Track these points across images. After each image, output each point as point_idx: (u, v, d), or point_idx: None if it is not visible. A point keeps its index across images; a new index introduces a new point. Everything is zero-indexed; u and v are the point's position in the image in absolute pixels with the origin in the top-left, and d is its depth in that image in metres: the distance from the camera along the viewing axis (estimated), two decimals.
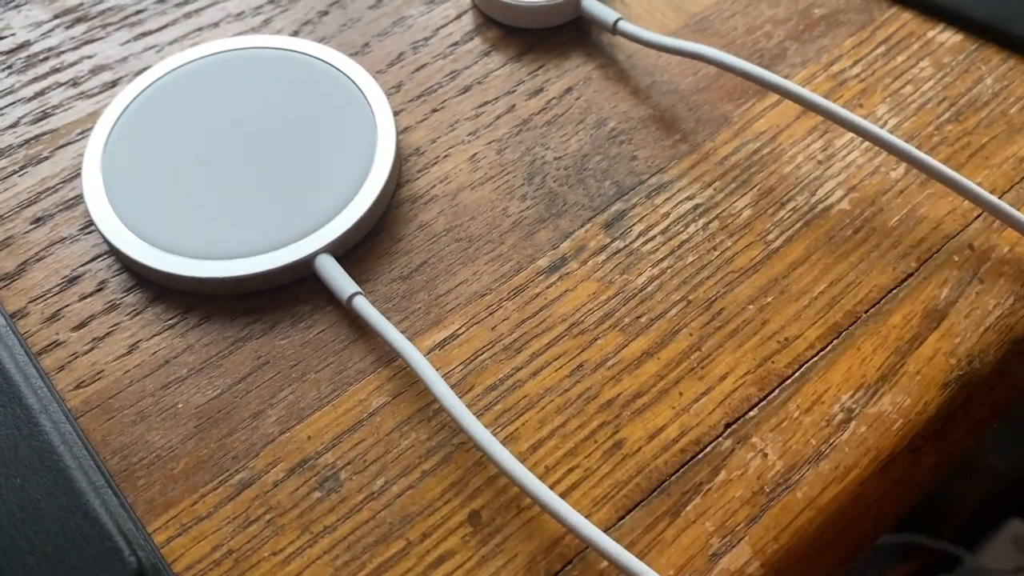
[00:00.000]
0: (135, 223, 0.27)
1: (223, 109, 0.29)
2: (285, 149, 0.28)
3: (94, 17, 0.33)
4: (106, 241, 0.27)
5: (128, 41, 0.32)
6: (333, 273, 0.25)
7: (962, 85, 0.30)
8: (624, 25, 0.30)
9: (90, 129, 0.30)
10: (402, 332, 0.26)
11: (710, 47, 0.28)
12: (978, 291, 0.26)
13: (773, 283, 0.26)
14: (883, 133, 0.26)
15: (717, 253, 0.27)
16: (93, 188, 0.27)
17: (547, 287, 0.27)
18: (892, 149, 0.26)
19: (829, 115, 0.27)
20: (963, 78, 0.31)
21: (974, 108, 0.30)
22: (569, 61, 0.31)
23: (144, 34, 0.32)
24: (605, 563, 0.22)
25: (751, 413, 0.24)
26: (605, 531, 0.23)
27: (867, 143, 0.29)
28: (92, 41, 0.32)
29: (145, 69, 0.31)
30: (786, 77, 0.31)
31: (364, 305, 0.25)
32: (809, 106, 0.27)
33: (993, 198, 0.26)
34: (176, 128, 0.28)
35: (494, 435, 0.24)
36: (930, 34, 0.32)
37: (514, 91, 0.31)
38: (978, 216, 0.28)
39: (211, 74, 0.30)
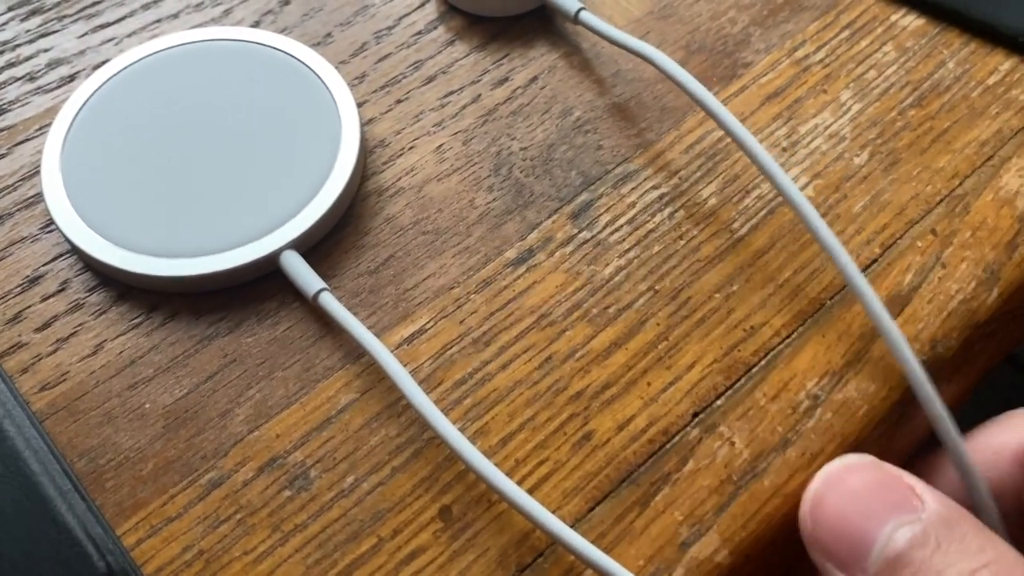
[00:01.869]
0: (97, 221, 0.26)
1: (183, 103, 0.28)
2: (247, 143, 0.27)
3: (49, 9, 0.32)
4: (67, 240, 0.26)
5: (85, 34, 0.32)
6: (299, 269, 0.25)
7: (924, 69, 0.31)
8: (585, 16, 0.30)
9: (48, 125, 0.29)
10: (370, 327, 0.26)
11: (658, 51, 0.28)
12: (940, 276, 0.26)
13: (739, 271, 0.26)
14: (782, 177, 0.26)
15: (683, 242, 0.27)
16: (53, 186, 0.27)
17: (515, 279, 0.27)
18: (778, 187, 0.26)
19: (742, 145, 0.26)
20: (925, 62, 0.31)
21: (936, 92, 0.30)
22: (534, 50, 0.31)
23: (102, 26, 0.32)
24: (571, 557, 0.22)
25: (718, 402, 0.24)
26: (575, 523, 0.23)
27: (830, 129, 0.29)
28: (48, 34, 0.31)
29: (104, 63, 0.30)
30: (749, 64, 0.31)
31: (330, 301, 0.25)
32: (729, 133, 0.27)
33: (852, 267, 0.26)
34: (136, 123, 0.28)
35: (463, 430, 0.24)
36: (893, 18, 0.32)
37: (479, 81, 0.30)
38: (940, 201, 0.28)
39: (171, 67, 0.29)
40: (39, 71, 0.31)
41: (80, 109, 0.28)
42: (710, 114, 0.27)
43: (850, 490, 0.21)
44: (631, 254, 0.27)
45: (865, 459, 0.21)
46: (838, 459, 0.22)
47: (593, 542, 0.22)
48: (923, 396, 0.23)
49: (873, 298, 0.24)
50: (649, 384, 0.25)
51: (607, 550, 0.22)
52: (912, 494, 0.20)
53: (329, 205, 0.26)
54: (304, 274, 0.25)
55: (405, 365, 0.25)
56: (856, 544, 0.20)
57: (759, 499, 0.23)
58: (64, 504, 0.21)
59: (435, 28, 0.32)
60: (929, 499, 0.20)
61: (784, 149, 0.29)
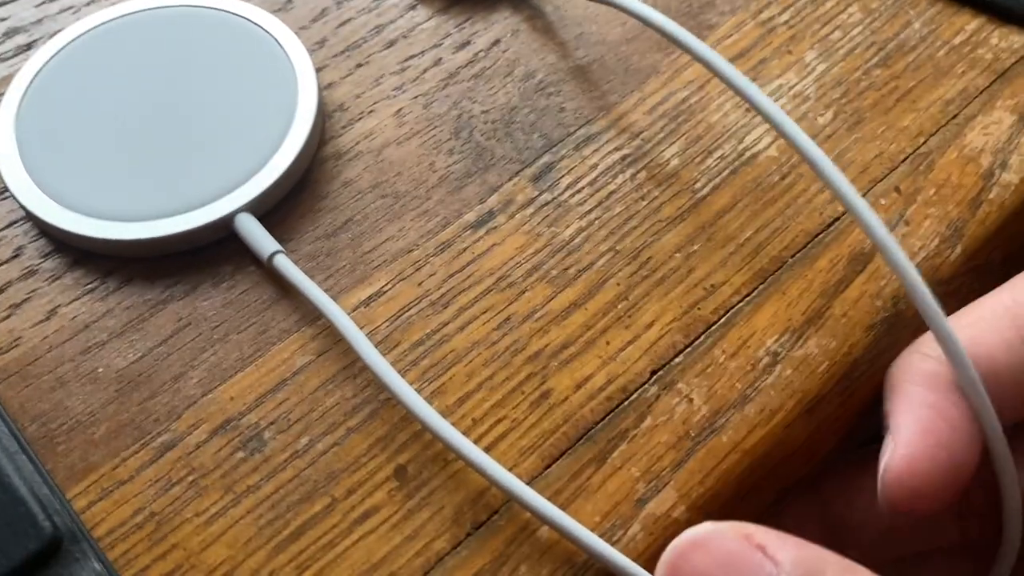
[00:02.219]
0: (51, 187, 0.26)
1: (141, 69, 0.28)
2: (204, 109, 0.27)
3: None
4: (21, 206, 0.26)
5: (43, 3, 0.31)
6: (253, 232, 0.25)
7: (890, 30, 0.30)
8: None
9: (2, 93, 0.29)
10: (327, 290, 0.25)
11: None
12: (904, 233, 0.26)
13: (700, 231, 0.26)
14: (774, 108, 0.25)
15: (645, 203, 0.27)
16: (7, 152, 0.27)
17: (475, 241, 0.26)
18: (776, 125, 0.25)
19: (729, 83, 0.26)
20: (891, 23, 0.30)
21: (902, 52, 0.30)
22: (496, 13, 0.31)
23: None
24: (527, 514, 0.22)
25: (677, 360, 0.24)
26: (531, 481, 0.23)
27: (795, 89, 0.29)
28: (5, 3, 0.31)
29: (60, 31, 0.30)
30: (714, 26, 0.30)
31: (285, 263, 0.24)
32: (715, 72, 0.26)
33: (854, 193, 0.25)
34: (93, 90, 0.28)
35: (420, 391, 0.24)
36: None
37: (441, 44, 0.30)
38: (905, 159, 0.28)
39: (129, 33, 0.29)
40: None
41: (35, 76, 0.28)
42: (692, 54, 0.26)
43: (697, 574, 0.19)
44: (592, 215, 0.27)
45: (709, 531, 0.18)
46: (684, 534, 0.18)
47: (549, 499, 0.22)
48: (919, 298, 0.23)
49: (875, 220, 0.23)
50: (608, 343, 0.24)
51: (563, 507, 0.22)
52: (764, 558, 0.18)
53: (284, 168, 0.26)
54: (259, 237, 0.25)
55: (362, 328, 0.25)
56: None
57: (717, 455, 0.23)
58: (11, 465, 0.21)
59: None
60: (783, 556, 0.18)
61: (747, 110, 0.28)
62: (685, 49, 0.25)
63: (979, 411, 0.21)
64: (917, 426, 0.21)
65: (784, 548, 0.17)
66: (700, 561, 0.17)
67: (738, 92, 0.25)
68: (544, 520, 0.21)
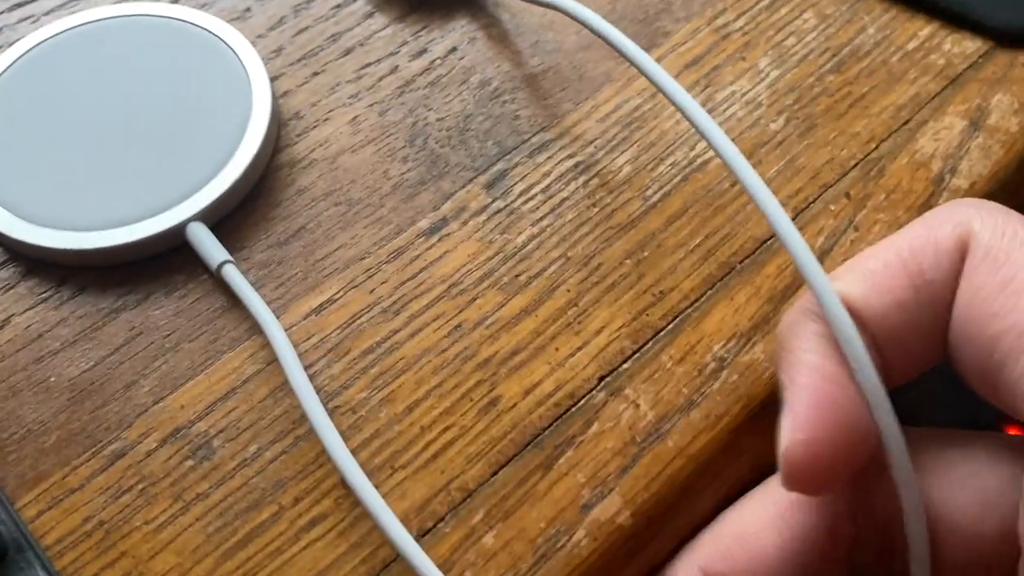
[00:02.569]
0: (4, 197, 0.26)
1: (95, 79, 0.28)
2: (159, 118, 0.27)
3: None
4: None
5: (2, 12, 0.31)
6: (204, 241, 0.25)
7: (844, 35, 0.31)
8: None
9: None
10: (278, 298, 0.25)
11: (584, 7, 0.28)
12: (853, 239, 0.26)
13: (650, 238, 0.26)
14: (711, 125, 0.25)
15: (596, 210, 0.27)
16: None
17: (427, 249, 0.26)
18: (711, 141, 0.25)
19: (672, 98, 0.25)
20: (845, 28, 0.31)
21: (856, 58, 0.30)
22: (453, 22, 0.31)
23: (19, 4, 0.31)
24: (478, 518, 0.22)
25: (624, 365, 0.24)
26: (477, 488, 0.23)
27: (747, 96, 0.29)
28: None
29: (19, 40, 0.30)
30: (669, 33, 0.31)
31: (233, 274, 0.25)
32: (658, 87, 0.26)
33: (784, 219, 0.24)
34: (48, 99, 0.28)
35: (368, 399, 0.24)
36: None
37: (397, 52, 0.30)
38: (856, 165, 0.28)
39: (86, 43, 0.29)
40: None
41: None
42: (635, 65, 0.26)
43: None
44: (544, 222, 0.27)
45: None
46: None
47: (496, 505, 0.22)
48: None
49: (800, 244, 0.23)
50: (557, 349, 0.25)
51: (509, 513, 0.22)
52: None
53: (237, 176, 0.26)
54: (209, 246, 0.25)
55: (312, 336, 0.25)
56: None
57: (662, 460, 0.23)
58: None
59: (355, 1, 0.31)
60: None
61: None
62: (630, 60, 0.25)
63: (865, 387, 0.19)
64: (812, 399, 0.19)
65: None
66: None
67: (678, 107, 0.25)
68: None
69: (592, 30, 0.26)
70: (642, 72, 0.25)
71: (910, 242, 0.20)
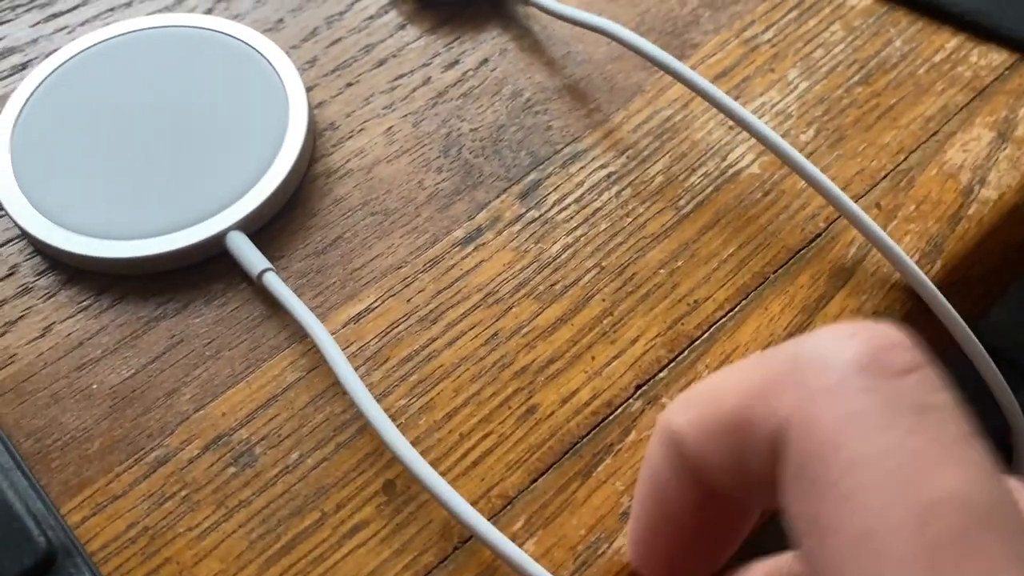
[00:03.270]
0: (46, 206, 0.26)
1: (133, 89, 0.29)
2: (196, 128, 0.28)
3: None
4: (16, 225, 0.26)
5: (38, 23, 0.32)
6: (244, 250, 0.25)
7: (871, 48, 0.31)
8: None
9: None
10: (317, 307, 0.26)
11: (614, 22, 0.28)
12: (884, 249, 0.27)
13: (684, 247, 0.27)
14: (757, 123, 0.26)
15: (630, 220, 0.27)
16: (2, 172, 0.27)
17: (463, 258, 0.27)
18: (764, 140, 0.26)
19: (712, 101, 0.27)
20: (872, 41, 0.31)
21: (883, 70, 0.30)
22: (484, 33, 0.31)
23: (54, 15, 0.32)
24: (519, 525, 0.23)
25: (661, 374, 0.25)
26: (517, 495, 0.23)
27: (777, 107, 0.29)
28: (1, 23, 0.32)
29: (55, 51, 0.31)
30: (697, 45, 0.31)
31: (274, 281, 0.25)
32: (696, 90, 0.27)
33: (845, 199, 0.26)
34: (86, 109, 0.28)
35: (408, 406, 0.24)
36: None
37: (430, 64, 0.31)
38: (885, 176, 0.28)
39: (122, 54, 0.29)
40: None
41: (30, 96, 0.28)
42: (676, 76, 0.27)
43: None
44: (578, 232, 0.27)
45: None
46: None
47: (536, 513, 0.23)
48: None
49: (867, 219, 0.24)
50: (593, 358, 0.25)
51: (549, 520, 0.23)
52: None
53: (275, 186, 0.26)
54: (249, 254, 0.25)
55: (351, 344, 0.25)
56: None
57: None
58: (5, 481, 0.22)
59: (387, 13, 0.32)
60: None
61: (731, 127, 0.29)
62: (668, 71, 0.26)
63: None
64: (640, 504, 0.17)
65: None
66: None
67: (722, 110, 0.26)
68: (503, 559, 0.21)
69: (627, 45, 0.27)
70: (682, 81, 0.25)
71: (738, 408, 0.15)
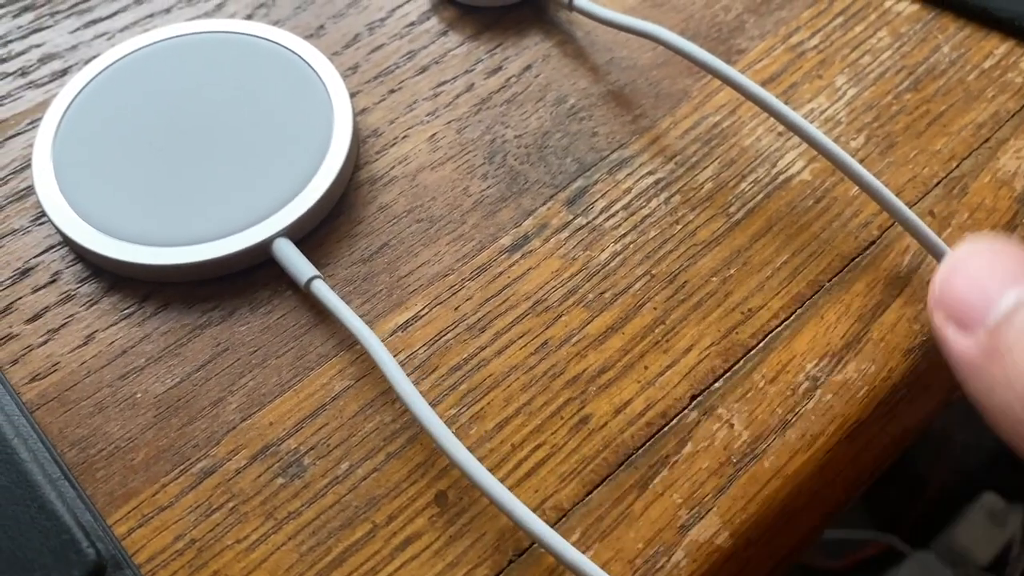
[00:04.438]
0: (88, 212, 0.26)
1: (176, 95, 0.28)
2: (240, 134, 0.27)
3: (42, 5, 0.32)
4: (59, 231, 0.26)
5: (78, 29, 0.31)
6: (291, 257, 0.25)
7: (919, 54, 0.30)
8: (581, 2, 0.30)
9: (40, 119, 0.29)
10: (364, 315, 0.25)
11: (661, 27, 0.28)
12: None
13: (736, 255, 0.26)
14: (811, 128, 0.26)
15: (680, 227, 0.27)
16: (44, 178, 0.27)
17: (510, 265, 0.26)
18: (815, 144, 0.26)
19: (763, 105, 0.26)
20: (920, 47, 0.31)
21: (932, 76, 0.30)
22: (527, 39, 0.31)
23: (94, 21, 0.32)
24: (575, 538, 0.22)
25: (716, 384, 0.24)
26: (572, 507, 0.22)
27: (826, 113, 0.29)
28: (40, 30, 0.31)
29: (95, 57, 0.30)
30: (743, 51, 0.30)
31: (323, 289, 0.24)
32: (747, 95, 0.26)
33: (900, 204, 0.25)
34: (128, 115, 0.28)
35: (458, 416, 0.24)
36: (887, 4, 0.32)
37: (472, 70, 0.30)
38: (938, 183, 0.28)
39: (163, 60, 0.29)
40: (31, 66, 0.31)
41: (71, 102, 0.28)
42: (726, 81, 0.26)
43: (975, 265, 0.21)
44: (627, 239, 0.27)
45: (987, 242, 0.21)
46: (963, 244, 0.21)
47: (592, 525, 0.22)
48: None
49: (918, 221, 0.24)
50: (646, 368, 0.24)
51: (606, 533, 0.22)
52: None
53: (321, 193, 0.26)
54: (296, 262, 0.25)
55: (399, 352, 0.25)
56: (978, 305, 0.20)
57: (759, 481, 0.23)
58: (53, 492, 0.21)
59: (428, 19, 0.31)
60: None
61: (780, 133, 0.29)
62: (719, 76, 0.25)
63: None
64: None
65: None
66: (979, 260, 0.20)
67: (774, 115, 0.26)
68: (567, 566, 0.21)
69: (676, 50, 0.26)
70: (733, 85, 0.25)
71: None
